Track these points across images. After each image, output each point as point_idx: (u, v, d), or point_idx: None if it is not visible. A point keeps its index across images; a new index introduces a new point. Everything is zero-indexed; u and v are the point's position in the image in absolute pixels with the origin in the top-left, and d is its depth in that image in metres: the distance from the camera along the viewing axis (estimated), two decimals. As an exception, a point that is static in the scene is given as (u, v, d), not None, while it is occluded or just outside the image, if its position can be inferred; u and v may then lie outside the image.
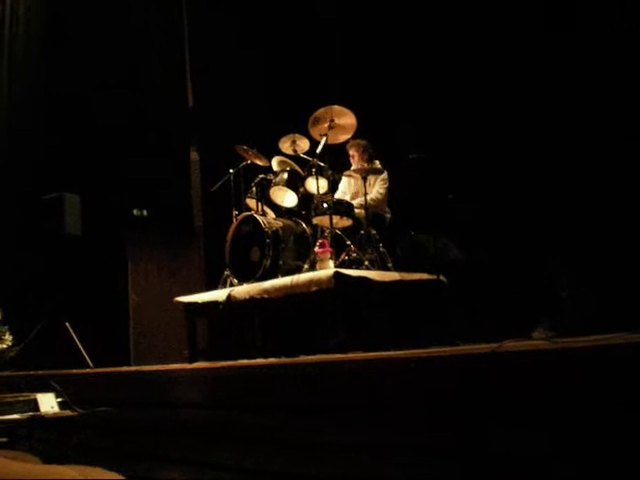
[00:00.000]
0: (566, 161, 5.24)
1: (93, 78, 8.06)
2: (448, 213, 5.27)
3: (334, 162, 5.91)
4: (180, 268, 8.44)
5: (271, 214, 6.07)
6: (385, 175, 6.06)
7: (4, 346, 6.86)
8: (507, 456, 2.38)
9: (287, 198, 5.97)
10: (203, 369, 4.21)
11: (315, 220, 5.65)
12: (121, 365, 5.92)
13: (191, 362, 5.45)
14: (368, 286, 4.91)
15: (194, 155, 8.80)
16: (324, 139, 5.82)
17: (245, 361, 3.96)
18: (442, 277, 5.14)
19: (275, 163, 6.24)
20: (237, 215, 6.07)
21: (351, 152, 6.18)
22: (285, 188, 5.88)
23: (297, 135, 6.10)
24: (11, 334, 6.98)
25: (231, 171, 6.31)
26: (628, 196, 4.86)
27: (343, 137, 6.05)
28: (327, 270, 4.93)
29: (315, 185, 5.67)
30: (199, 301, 5.83)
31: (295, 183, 5.87)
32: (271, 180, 5.98)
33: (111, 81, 8.12)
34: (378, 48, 6.62)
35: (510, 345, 2.56)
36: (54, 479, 1.43)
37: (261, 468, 3.34)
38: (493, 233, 5.68)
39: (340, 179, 6.24)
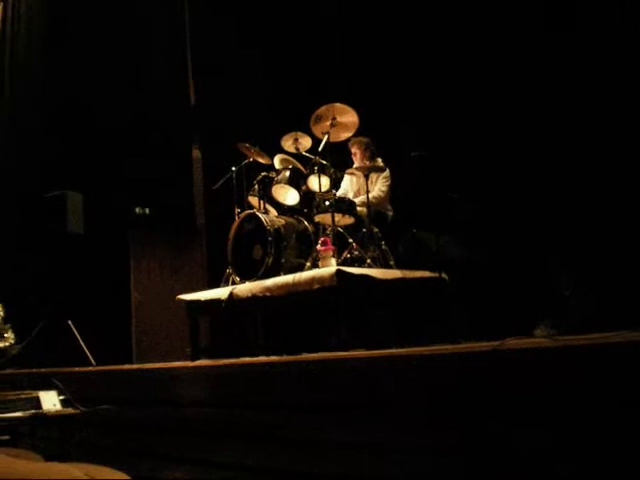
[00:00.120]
0: (567, 160, 5.24)
1: (95, 77, 8.07)
2: (450, 211, 5.27)
3: (336, 160, 5.90)
4: (182, 266, 8.44)
5: (273, 212, 6.07)
6: (387, 173, 6.06)
7: (7, 344, 6.88)
8: (508, 454, 2.38)
9: (289, 196, 5.97)
10: (205, 367, 4.21)
11: (317, 218, 5.65)
12: (123, 363, 5.92)
13: (193, 360, 5.46)
14: (370, 284, 4.91)
15: (196, 153, 8.80)
16: (326, 137, 5.81)
17: (247, 359, 3.97)
18: (444, 275, 5.14)
19: (277, 161, 6.24)
20: (239, 213, 6.07)
21: (353, 150, 6.18)
22: (287, 186, 5.88)
23: (299, 133, 6.10)
24: (13, 332, 7.00)
25: (233, 169, 6.31)
26: (629, 195, 4.85)
27: (345, 135, 6.05)
28: (329, 268, 4.93)
29: (317, 183, 5.67)
30: (201, 299, 5.83)
31: (297, 181, 5.87)
32: (273, 178, 5.98)
33: (113, 80, 8.13)
34: (380, 45, 6.61)
35: (512, 343, 2.57)
36: (57, 478, 1.44)
37: (264, 466, 3.35)
38: (495, 231, 5.67)
39: (342, 177, 6.24)
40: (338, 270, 4.74)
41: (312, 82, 7.14)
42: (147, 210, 8.22)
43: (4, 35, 9.24)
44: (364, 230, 5.58)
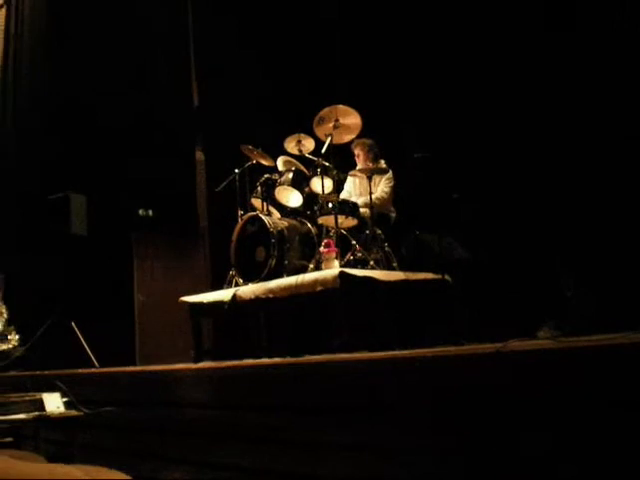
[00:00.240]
0: (568, 161, 5.23)
1: (99, 78, 8.08)
2: (453, 212, 5.27)
3: (339, 162, 5.91)
4: (185, 268, 8.45)
5: (276, 214, 6.07)
6: (390, 174, 6.06)
7: (10, 346, 6.88)
8: (511, 456, 2.38)
9: (292, 198, 5.97)
10: (208, 369, 4.21)
11: (320, 220, 5.65)
12: (126, 365, 5.93)
13: (196, 362, 5.46)
14: (373, 286, 4.91)
15: (199, 155, 8.81)
16: (329, 139, 5.82)
17: (250, 361, 3.97)
18: (447, 276, 5.14)
19: (280, 163, 6.24)
20: (242, 215, 6.08)
21: (356, 151, 6.18)
22: (290, 188, 5.89)
23: (302, 135, 6.10)
24: (17, 334, 7.00)
25: (236, 171, 6.32)
26: (630, 196, 4.85)
27: (348, 137, 6.04)
28: (332, 270, 4.92)
29: (320, 185, 5.67)
30: (204, 301, 5.83)
31: (300, 183, 5.87)
32: (276, 180, 5.98)
33: (117, 81, 8.14)
34: (382, 47, 6.62)
35: (515, 345, 2.56)
36: (60, 479, 1.44)
37: (266, 468, 3.35)
38: (498, 232, 5.67)
39: (345, 179, 6.24)
40: (341, 272, 4.74)
41: (315, 84, 7.14)
42: (150, 212, 8.23)
43: (7, 36, 9.26)
44: (367, 232, 5.58)
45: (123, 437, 4.39)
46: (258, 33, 8.09)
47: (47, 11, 8.85)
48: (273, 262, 5.51)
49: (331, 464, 3.03)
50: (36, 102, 8.72)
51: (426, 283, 5.21)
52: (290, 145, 6.18)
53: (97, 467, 1.56)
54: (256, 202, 6.15)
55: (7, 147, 8.94)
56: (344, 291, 4.69)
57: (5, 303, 7.18)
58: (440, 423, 2.64)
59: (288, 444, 3.24)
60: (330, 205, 5.48)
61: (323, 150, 5.86)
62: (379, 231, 5.62)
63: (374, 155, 6.13)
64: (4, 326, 6.98)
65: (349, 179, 6.26)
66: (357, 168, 6.08)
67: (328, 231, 5.66)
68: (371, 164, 6.06)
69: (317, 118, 5.88)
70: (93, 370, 5.64)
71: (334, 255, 5.17)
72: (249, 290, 5.43)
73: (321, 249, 5.32)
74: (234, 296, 5.47)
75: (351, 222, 5.58)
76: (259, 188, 6.08)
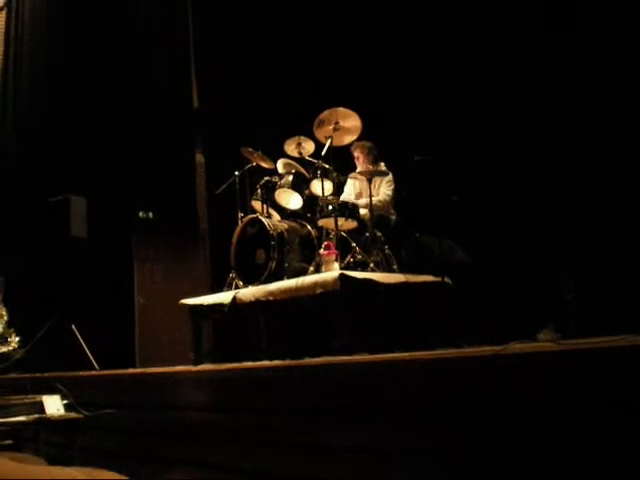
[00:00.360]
0: (568, 162, 5.24)
1: (99, 80, 8.08)
2: (453, 215, 5.27)
3: (339, 164, 5.91)
4: (185, 270, 8.44)
5: (276, 216, 6.08)
6: (390, 177, 6.06)
7: (10, 348, 6.88)
8: (511, 459, 2.38)
9: (292, 200, 5.97)
10: (208, 371, 4.21)
11: (320, 222, 5.65)
12: (127, 367, 5.93)
13: (196, 364, 5.46)
14: (373, 288, 4.91)
15: (199, 157, 8.81)
16: (329, 141, 5.82)
17: (250, 363, 3.96)
18: (447, 279, 5.13)
19: (280, 165, 6.24)
20: (242, 217, 6.08)
21: (356, 154, 6.18)
22: (290, 190, 5.89)
23: (302, 137, 6.10)
24: (17, 336, 7.00)
25: (236, 173, 6.32)
26: (630, 198, 4.85)
27: (348, 139, 6.05)
28: (332, 272, 4.92)
29: (320, 187, 5.67)
30: (204, 303, 5.83)
31: (300, 185, 5.87)
32: (276, 182, 5.98)
33: (117, 83, 8.15)
34: (383, 49, 6.62)
35: (515, 347, 2.56)
36: (59, 481, 1.44)
37: (266, 470, 3.34)
38: (498, 235, 5.67)
39: (345, 181, 6.24)
40: (341, 274, 4.73)
41: (315, 86, 7.15)
42: (150, 214, 8.23)
43: (8, 38, 9.27)
44: (367, 234, 5.58)
45: (123, 439, 4.39)
46: (258, 35, 8.10)
47: (47, 13, 8.86)
48: (273, 264, 5.51)
49: (331, 466, 3.03)
50: (36, 103, 8.72)
51: (426, 286, 5.21)
52: (290, 147, 6.18)
53: (97, 469, 1.56)
54: (256, 204, 6.15)
55: (7, 148, 8.94)
56: (344, 293, 4.69)
57: (5, 305, 7.18)
58: (440, 425, 2.64)
59: (288, 446, 3.24)
60: (330, 207, 5.49)
61: (323, 152, 5.86)
62: (379, 233, 5.62)
63: (374, 157, 6.13)
64: (4, 328, 6.98)
65: (349, 181, 6.27)
66: (357, 170, 6.09)
67: (328, 233, 5.66)
68: (371, 166, 6.06)
69: (317, 120, 5.88)
70: (93, 372, 5.64)
71: (334, 257, 5.17)
72: (249, 292, 5.43)
73: (321, 251, 5.32)
74: (234, 298, 5.47)
75: (351, 224, 5.57)
76: (259, 190, 6.08)
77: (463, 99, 5.95)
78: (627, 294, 4.63)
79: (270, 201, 6.01)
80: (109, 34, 8.36)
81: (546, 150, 5.38)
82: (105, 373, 5.42)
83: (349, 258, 5.34)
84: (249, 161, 6.32)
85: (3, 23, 9.39)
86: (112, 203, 7.82)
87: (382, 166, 6.07)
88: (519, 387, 2.42)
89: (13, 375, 6.25)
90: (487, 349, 2.68)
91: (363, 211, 5.78)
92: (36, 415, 3.36)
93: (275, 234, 5.57)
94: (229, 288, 5.88)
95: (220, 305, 5.59)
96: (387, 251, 5.59)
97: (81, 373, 5.38)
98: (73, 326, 6.31)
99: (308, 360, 3.65)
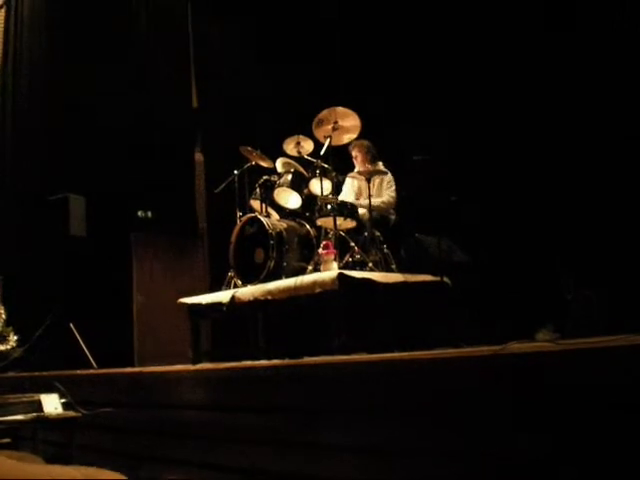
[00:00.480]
0: (568, 162, 5.24)
1: (98, 79, 8.07)
2: (452, 215, 5.27)
3: (338, 164, 5.90)
4: (184, 269, 8.44)
5: (275, 215, 6.07)
6: (390, 177, 6.06)
7: (9, 347, 6.88)
8: (510, 458, 2.38)
9: (291, 199, 5.97)
10: (207, 370, 4.21)
11: (319, 222, 5.65)
12: (125, 366, 5.92)
13: (195, 363, 5.45)
14: (372, 288, 4.91)
15: (198, 156, 8.81)
16: (328, 141, 5.81)
17: (249, 362, 3.96)
18: (446, 279, 5.14)
19: (279, 164, 6.24)
20: (241, 216, 6.07)
21: (354, 153, 6.18)
22: (289, 189, 5.88)
23: (301, 137, 6.10)
24: (16, 335, 7.00)
25: (235, 172, 6.32)
26: (630, 198, 4.85)
27: (347, 138, 6.04)
28: (331, 272, 4.92)
29: (319, 186, 5.67)
30: (203, 302, 5.83)
31: (299, 184, 5.87)
32: (275, 181, 5.98)
33: (116, 82, 8.14)
34: (383, 49, 6.62)
35: (514, 347, 2.56)
36: (58, 480, 1.44)
37: (264, 469, 3.34)
38: (497, 235, 5.67)
39: (344, 180, 6.24)
40: (340, 274, 4.73)
41: (314, 85, 7.14)
42: (149, 213, 8.22)
43: (7, 37, 9.26)
44: (366, 234, 5.57)
45: (121, 438, 4.38)
46: (258, 34, 8.10)
47: (47, 11, 8.85)
48: (272, 264, 5.50)
49: (330, 465, 3.03)
50: (35, 102, 8.72)
51: (425, 285, 5.21)
52: (289, 147, 6.18)
53: (95, 468, 1.56)
54: (255, 203, 6.14)
55: (6, 147, 8.94)
56: (343, 293, 4.68)
57: (4, 304, 7.18)
58: (439, 425, 2.64)
59: (287, 446, 3.24)
60: (329, 207, 5.48)
61: (322, 152, 5.86)
62: (378, 233, 5.62)
63: (372, 157, 6.12)
64: (2, 327, 6.98)
65: (348, 181, 6.26)
66: (356, 170, 6.08)
67: (327, 233, 5.65)
68: (369, 165, 6.06)
69: (316, 120, 5.88)
70: (91, 371, 5.63)
71: (333, 257, 5.16)
72: (248, 292, 5.43)
73: (320, 251, 5.31)
74: (233, 298, 5.46)
75: (350, 224, 5.57)
76: (258, 189, 6.08)
77: (462, 98, 5.95)
78: (627, 294, 4.63)
79: (269, 200, 6.01)
80: (109, 33, 8.36)
81: (546, 150, 5.38)
82: (103, 372, 5.42)
83: (348, 257, 5.34)
84: (248, 160, 6.31)
85: (2, 21, 9.39)
86: (111, 202, 7.81)
87: (380, 165, 6.07)
88: (518, 387, 2.42)
89: (11, 374, 6.25)
90: (486, 349, 2.68)
91: (362, 211, 5.78)
92: (34, 414, 3.35)
93: (274, 233, 5.56)
94: (228, 287, 5.88)
95: (219, 304, 5.59)
96: (386, 251, 5.59)
97: (79, 372, 5.37)
98: (71, 325, 6.30)
99: (307, 359, 3.65)
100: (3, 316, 7.07)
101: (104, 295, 7.48)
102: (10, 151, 8.89)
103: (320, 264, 5.24)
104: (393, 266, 5.53)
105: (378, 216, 5.85)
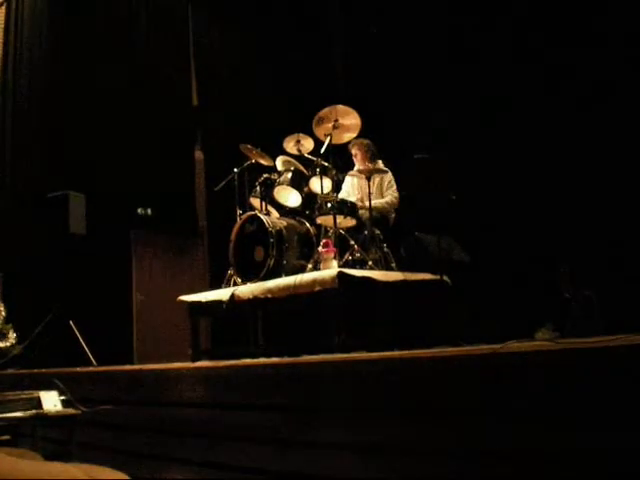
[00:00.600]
0: (568, 162, 5.24)
1: (98, 77, 8.07)
2: (452, 213, 5.27)
3: (338, 162, 5.90)
4: (184, 267, 8.45)
5: (275, 214, 6.07)
6: (390, 175, 6.06)
7: (8, 344, 6.88)
8: (510, 457, 2.38)
9: (291, 198, 5.97)
10: (206, 368, 4.21)
11: (319, 220, 5.65)
12: (124, 364, 5.92)
13: (194, 361, 5.45)
14: (372, 286, 4.91)
15: (198, 154, 8.81)
16: (328, 139, 5.82)
17: (248, 360, 3.96)
18: (446, 277, 5.14)
19: (279, 163, 6.24)
20: (241, 214, 6.07)
21: (353, 151, 6.18)
22: (289, 188, 5.88)
23: (301, 135, 6.10)
24: (15, 332, 7.00)
25: (235, 170, 6.32)
26: (630, 198, 4.85)
27: (348, 137, 6.04)
28: (331, 270, 4.92)
29: (319, 185, 5.67)
30: (203, 300, 5.83)
31: (299, 183, 5.87)
32: (275, 180, 5.98)
33: (116, 80, 8.14)
34: (383, 48, 6.62)
35: (513, 346, 2.56)
36: (57, 478, 1.43)
37: (263, 467, 3.34)
38: (497, 234, 5.67)
39: (344, 179, 6.24)
40: (339, 272, 4.74)
41: (315, 83, 7.14)
42: (149, 211, 8.22)
43: (7, 35, 9.26)
44: (366, 232, 5.58)
45: (121, 436, 4.38)
46: (258, 32, 8.09)
47: (47, 10, 8.84)
48: (272, 262, 5.51)
49: (330, 464, 3.03)
50: (35, 101, 8.72)
51: (424, 284, 5.21)
52: (289, 145, 6.18)
53: (95, 466, 1.56)
54: (255, 201, 6.14)
55: (6, 145, 8.94)
56: (342, 291, 4.69)
57: (3, 301, 7.18)
58: (439, 424, 2.64)
59: (287, 444, 3.24)
60: (329, 205, 5.48)
61: (322, 150, 5.86)
62: (378, 231, 5.62)
63: (372, 155, 6.12)
64: (2, 324, 6.98)
65: (347, 179, 6.26)
66: (355, 168, 6.08)
67: (327, 231, 5.66)
68: (369, 164, 6.06)
69: (316, 118, 5.88)
70: (91, 368, 5.64)
71: (332, 255, 5.17)
72: (247, 290, 5.43)
73: (320, 249, 5.32)
74: (232, 296, 5.47)
75: (350, 222, 5.57)
76: (258, 188, 6.08)
77: (462, 98, 5.95)
78: (626, 293, 4.63)
79: (269, 198, 6.01)
80: (109, 32, 8.36)
81: (546, 150, 5.38)
82: (103, 369, 5.42)
83: (348, 256, 5.34)
84: (248, 158, 6.31)
85: (2, 19, 9.39)
86: (111, 200, 7.81)
87: (380, 164, 6.07)
88: (517, 386, 2.42)
89: (11, 371, 6.25)
90: (485, 347, 2.68)
91: (362, 209, 5.78)
92: (33, 411, 3.35)
93: (274, 231, 5.56)
94: (227, 285, 5.88)
95: (218, 302, 5.59)
96: (386, 249, 5.59)
97: (79, 369, 5.37)
98: (71, 322, 6.31)
99: (306, 358, 3.65)
100: (3, 313, 7.07)
101: (104, 293, 7.48)
102: (10, 149, 8.88)
103: (320, 262, 5.24)
104: (393, 264, 5.53)
105: (378, 215, 5.86)
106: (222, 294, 5.63)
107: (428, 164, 5.13)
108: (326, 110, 5.83)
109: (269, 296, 5.22)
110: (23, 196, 8.31)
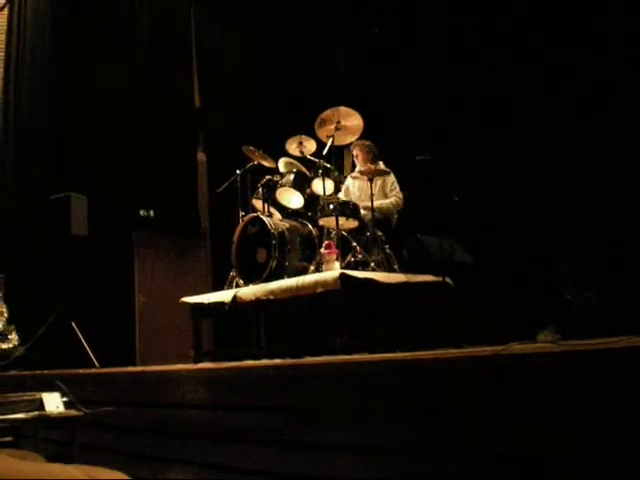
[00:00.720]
0: (571, 162, 5.24)
1: (100, 78, 8.08)
2: (454, 215, 5.26)
3: (341, 163, 5.91)
4: (186, 269, 8.45)
5: (277, 215, 6.07)
6: (393, 177, 6.06)
7: (10, 345, 6.88)
8: (511, 458, 2.38)
9: (293, 199, 5.97)
10: (208, 370, 4.21)
11: (321, 221, 5.65)
12: (126, 365, 5.92)
13: (196, 363, 5.46)
14: (374, 288, 4.91)
15: (201, 156, 8.81)
16: (330, 140, 5.82)
17: (250, 362, 3.96)
18: (448, 279, 5.14)
19: (282, 164, 6.24)
20: (243, 216, 6.08)
21: (355, 152, 6.19)
22: (291, 189, 5.89)
23: (304, 136, 6.11)
24: (17, 333, 7.00)
25: (238, 172, 6.32)
26: (631, 200, 4.85)
27: (350, 138, 6.05)
28: (333, 271, 4.92)
29: (321, 186, 5.67)
30: (205, 302, 5.83)
31: (301, 184, 5.87)
32: (277, 181, 5.98)
33: (119, 82, 8.14)
34: (384, 48, 6.63)
35: (515, 347, 2.56)
36: (59, 479, 1.43)
37: (265, 469, 3.34)
38: (499, 235, 5.67)
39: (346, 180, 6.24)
40: (342, 274, 4.73)
41: (317, 85, 7.15)
42: (151, 212, 8.22)
43: (10, 36, 9.27)
44: (368, 234, 5.58)
45: (123, 437, 4.38)
46: (260, 34, 8.10)
47: (50, 12, 8.85)
48: (274, 263, 5.51)
49: (332, 466, 3.03)
50: (38, 103, 8.72)
51: (427, 285, 5.21)
52: (292, 146, 6.18)
53: (97, 467, 1.56)
54: (257, 203, 6.15)
55: (9, 147, 8.94)
56: (345, 293, 4.69)
57: (6, 303, 7.18)
58: (441, 425, 2.64)
59: (289, 445, 3.24)
60: (331, 207, 5.48)
61: (325, 152, 5.86)
62: (380, 233, 5.62)
63: (373, 156, 6.12)
64: (4, 325, 6.97)
65: (349, 180, 6.26)
66: (357, 169, 6.09)
67: (329, 233, 5.66)
68: (371, 165, 6.06)
69: (319, 120, 5.89)
70: (93, 370, 5.64)
71: (335, 257, 5.17)
72: (250, 291, 5.43)
73: (322, 251, 5.31)
74: (235, 297, 5.47)
75: (352, 224, 5.57)
76: (260, 189, 6.08)
77: (462, 98, 5.95)
78: (628, 295, 4.62)
79: (271, 200, 6.01)
80: (111, 34, 8.37)
81: (546, 150, 5.37)
82: (105, 371, 5.42)
83: (350, 257, 5.34)
84: (250, 160, 6.32)
85: (5, 21, 9.40)
86: (113, 201, 7.82)
87: (381, 165, 6.07)
88: (519, 388, 2.41)
89: (13, 372, 6.25)
90: (487, 349, 2.68)
91: (364, 211, 5.78)
92: (36, 412, 3.35)
93: (276, 233, 5.57)
94: (230, 287, 5.88)
95: (221, 304, 5.59)
96: (388, 251, 5.59)
97: (81, 371, 5.37)
98: (73, 324, 6.31)
99: (308, 359, 3.65)
100: (5, 315, 7.07)
101: (106, 294, 7.48)
102: (12, 150, 8.89)
103: (322, 264, 5.24)
104: (395, 266, 5.53)
105: (380, 216, 5.86)
106: (224, 296, 5.63)
107: (428, 164, 5.13)
108: (328, 112, 5.84)
109: (271, 298, 5.22)
110: (25, 197, 8.31)
